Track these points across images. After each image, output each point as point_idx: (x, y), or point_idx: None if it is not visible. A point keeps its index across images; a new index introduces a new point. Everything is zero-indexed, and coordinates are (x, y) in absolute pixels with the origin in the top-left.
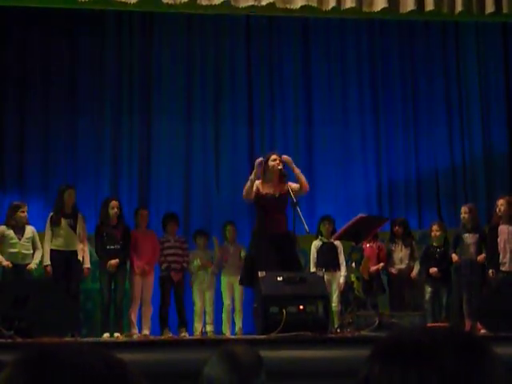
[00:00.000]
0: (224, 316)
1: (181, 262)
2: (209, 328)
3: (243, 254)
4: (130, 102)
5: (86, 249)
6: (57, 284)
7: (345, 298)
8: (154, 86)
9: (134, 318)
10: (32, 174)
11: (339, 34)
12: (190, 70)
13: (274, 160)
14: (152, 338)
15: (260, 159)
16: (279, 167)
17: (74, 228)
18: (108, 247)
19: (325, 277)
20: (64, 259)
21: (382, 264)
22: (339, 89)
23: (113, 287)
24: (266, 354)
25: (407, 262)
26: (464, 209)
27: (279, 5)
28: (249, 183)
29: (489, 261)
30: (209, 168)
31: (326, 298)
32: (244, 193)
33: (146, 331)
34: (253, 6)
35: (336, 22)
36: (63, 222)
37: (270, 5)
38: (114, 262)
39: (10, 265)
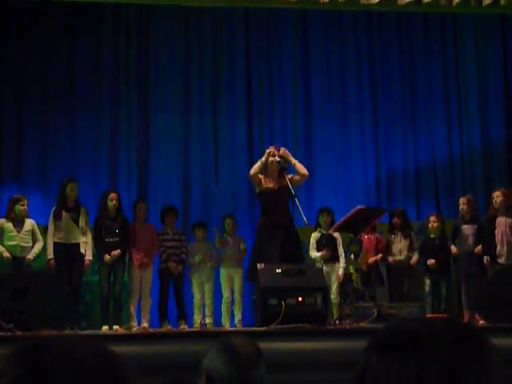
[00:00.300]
0: (223, 308)
1: (179, 255)
2: (208, 320)
3: (242, 246)
4: (128, 96)
5: (89, 241)
6: (57, 276)
7: (343, 289)
8: (151, 80)
9: (133, 310)
10: (30, 168)
11: (338, 27)
12: (188, 64)
13: (272, 155)
14: (151, 330)
15: (271, 147)
16: (277, 159)
17: (76, 221)
18: (107, 240)
19: (324, 269)
20: (66, 252)
21: (380, 255)
22: (338, 82)
23: (112, 280)
24: (265, 345)
25: (406, 253)
26: (462, 200)
27: None
28: (258, 163)
29: (486, 251)
30: (207, 161)
31: (325, 290)
32: (252, 171)
33: (145, 324)
34: None
35: (335, 16)
36: (65, 215)
37: None
38: (116, 252)
39: (10, 256)
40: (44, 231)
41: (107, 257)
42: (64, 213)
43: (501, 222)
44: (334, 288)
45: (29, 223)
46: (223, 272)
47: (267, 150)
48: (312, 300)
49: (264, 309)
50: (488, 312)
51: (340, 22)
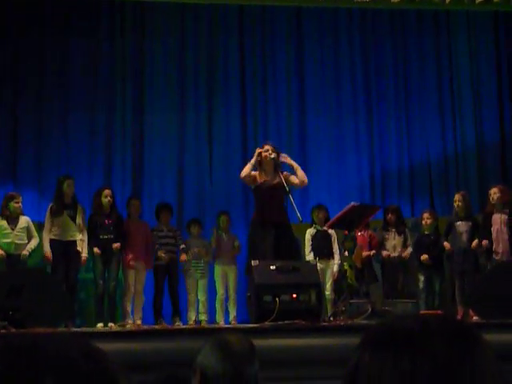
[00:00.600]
0: (217, 305)
1: (174, 252)
2: (202, 317)
3: (236, 243)
4: (123, 94)
5: (85, 239)
6: (52, 274)
7: (338, 286)
8: (146, 78)
9: (128, 307)
10: (26, 166)
11: (332, 24)
12: (183, 62)
13: (267, 150)
14: (146, 327)
15: (258, 149)
16: (272, 156)
17: (73, 218)
18: (101, 237)
19: (318, 265)
20: (62, 249)
21: (373, 251)
22: (332, 79)
23: (106, 277)
24: (259, 342)
25: (400, 249)
26: (458, 196)
27: None
28: (248, 165)
29: (483, 249)
30: (202, 158)
31: (319, 287)
32: (242, 173)
33: (138, 321)
34: None
35: (329, 13)
36: (63, 212)
37: None
38: (116, 245)
39: (4, 254)
40: (39, 228)
41: (96, 250)
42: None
43: (496, 219)
44: (329, 284)
45: (23, 220)
46: (217, 269)
47: (257, 151)
48: (306, 296)
49: (258, 305)
50: (482, 308)
51: (334, 19)
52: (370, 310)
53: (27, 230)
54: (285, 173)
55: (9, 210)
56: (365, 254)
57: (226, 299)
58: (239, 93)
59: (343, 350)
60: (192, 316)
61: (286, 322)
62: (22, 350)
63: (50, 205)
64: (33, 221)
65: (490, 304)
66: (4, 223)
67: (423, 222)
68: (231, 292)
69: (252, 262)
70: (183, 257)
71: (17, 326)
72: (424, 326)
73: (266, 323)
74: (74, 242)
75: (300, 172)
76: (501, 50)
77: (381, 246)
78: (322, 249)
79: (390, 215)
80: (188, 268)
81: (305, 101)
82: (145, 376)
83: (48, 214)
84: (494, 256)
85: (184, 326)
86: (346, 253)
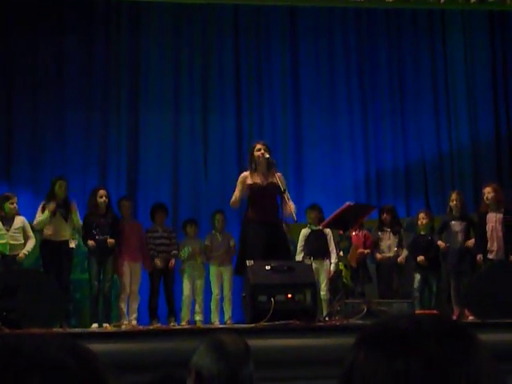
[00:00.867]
0: (213, 305)
1: (169, 252)
2: (198, 317)
3: (232, 243)
4: (118, 93)
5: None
6: (46, 274)
7: (333, 286)
8: (141, 78)
9: (123, 307)
10: (20, 166)
11: (327, 24)
12: (178, 62)
13: (259, 150)
14: (141, 327)
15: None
16: (266, 156)
17: (65, 218)
18: (97, 237)
19: (313, 265)
20: (55, 249)
21: (367, 250)
22: (327, 79)
23: (101, 277)
24: (254, 342)
25: (395, 249)
26: (455, 195)
27: None
28: (233, 198)
29: (477, 247)
30: (197, 158)
31: (314, 287)
32: (231, 202)
33: (133, 321)
34: None
35: (323, 13)
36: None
37: None
38: (111, 240)
39: None
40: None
41: (92, 243)
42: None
43: (491, 217)
44: (324, 284)
45: (19, 220)
46: (213, 269)
47: (240, 179)
48: (301, 296)
49: (253, 306)
50: (478, 308)
51: (329, 18)
52: (365, 310)
53: (23, 230)
54: (279, 173)
55: (4, 211)
56: (360, 250)
57: (222, 299)
58: (234, 93)
59: (338, 350)
60: (185, 316)
61: (281, 322)
62: (6, 350)
63: (42, 203)
64: (28, 221)
65: (485, 304)
66: None
67: (419, 222)
68: (226, 292)
69: (247, 262)
70: (172, 263)
71: (11, 327)
72: (418, 326)
73: (261, 323)
74: (66, 241)
75: (291, 206)
76: (496, 49)
77: (375, 245)
78: (317, 249)
79: (385, 215)
80: (184, 267)
81: (300, 101)
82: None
83: (39, 211)
84: (488, 255)
85: (179, 327)
86: (341, 253)
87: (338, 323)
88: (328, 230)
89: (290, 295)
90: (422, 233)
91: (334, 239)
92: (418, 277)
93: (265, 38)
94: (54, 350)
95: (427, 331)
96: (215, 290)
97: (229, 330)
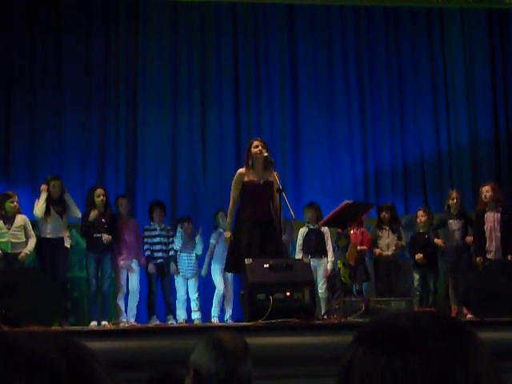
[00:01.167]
0: (215, 300)
1: (167, 251)
2: (195, 315)
3: None
4: (117, 91)
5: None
6: (44, 272)
7: (332, 284)
8: (140, 76)
9: (121, 305)
10: (19, 164)
11: (325, 22)
12: (176, 59)
13: (256, 147)
14: (139, 325)
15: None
16: (264, 154)
17: (61, 215)
18: (95, 235)
19: (311, 263)
20: (52, 247)
21: (364, 247)
22: (325, 77)
23: (99, 275)
24: (252, 340)
25: (393, 247)
26: (455, 194)
27: None
28: (231, 204)
29: (476, 247)
30: (195, 156)
31: (313, 285)
32: (230, 209)
33: (131, 319)
34: None
35: (322, 10)
36: (51, 209)
37: None
38: (106, 237)
39: (1, 253)
40: (34, 227)
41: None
42: (51, 207)
43: (489, 217)
44: (322, 283)
45: (20, 219)
46: (215, 267)
47: (237, 176)
48: (300, 295)
49: (252, 304)
50: (476, 306)
51: (327, 16)
52: (363, 308)
53: (24, 228)
54: (276, 172)
55: (4, 210)
56: (359, 247)
57: (224, 296)
58: (232, 90)
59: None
60: (181, 314)
61: (279, 320)
62: None
63: (36, 200)
64: (29, 220)
65: (483, 302)
66: (0, 222)
67: (417, 220)
68: (228, 291)
69: (245, 260)
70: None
71: (10, 325)
72: (417, 323)
73: (260, 321)
74: (62, 239)
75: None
76: (495, 47)
77: (374, 243)
78: (315, 247)
79: (383, 213)
80: (177, 266)
81: (298, 98)
82: (138, 374)
83: (36, 202)
84: (487, 254)
85: (177, 325)
86: (340, 251)
87: (336, 321)
88: (326, 229)
89: (288, 293)
90: (421, 231)
91: (331, 237)
92: (416, 275)
93: (263, 36)
94: (42, 349)
95: (426, 328)
96: (219, 286)
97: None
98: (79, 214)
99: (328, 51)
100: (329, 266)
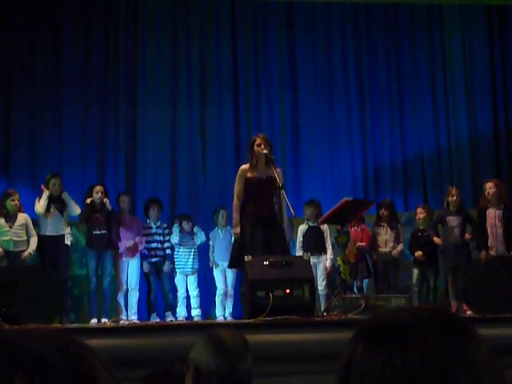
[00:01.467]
0: (217, 300)
1: (163, 249)
2: (195, 312)
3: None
4: (116, 89)
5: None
6: (45, 270)
7: (331, 281)
8: (139, 73)
9: (121, 303)
10: (19, 162)
11: (324, 18)
12: (176, 57)
13: (259, 145)
14: (139, 323)
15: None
16: (264, 151)
17: (61, 212)
18: (94, 232)
19: (311, 260)
20: (53, 244)
21: (363, 243)
22: (325, 73)
23: (99, 273)
24: (252, 337)
25: (392, 244)
26: (455, 191)
27: None
28: (235, 198)
29: (479, 243)
30: (195, 153)
31: (312, 282)
32: (235, 203)
33: (132, 317)
34: None
35: (321, 7)
36: (52, 208)
37: None
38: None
39: (2, 252)
40: (35, 226)
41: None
42: (51, 205)
43: (490, 214)
44: (322, 280)
45: (22, 217)
46: (216, 265)
47: (239, 173)
48: (299, 292)
49: (252, 301)
50: (476, 302)
51: (326, 12)
52: (363, 304)
53: (26, 227)
54: (278, 169)
55: (6, 208)
56: (359, 244)
57: (224, 294)
58: (232, 87)
59: (336, 345)
60: (181, 311)
61: (279, 317)
62: None
63: (37, 198)
64: (31, 218)
65: (483, 298)
66: (2, 221)
67: (417, 217)
68: (229, 287)
69: (245, 257)
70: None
71: (10, 323)
72: (417, 320)
73: (260, 318)
74: (63, 236)
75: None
76: (494, 43)
77: (373, 240)
78: (314, 244)
79: (383, 210)
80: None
81: (297, 95)
82: (139, 371)
83: (37, 200)
84: (488, 251)
85: (177, 322)
86: (340, 248)
87: (336, 318)
88: (325, 226)
89: (288, 290)
90: (421, 227)
91: (331, 235)
92: (415, 272)
93: (262, 32)
94: (41, 347)
95: (426, 325)
96: (220, 285)
97: (227, 325)
98: (79, 210)
99: (327, 48)
100: (328, 264)
